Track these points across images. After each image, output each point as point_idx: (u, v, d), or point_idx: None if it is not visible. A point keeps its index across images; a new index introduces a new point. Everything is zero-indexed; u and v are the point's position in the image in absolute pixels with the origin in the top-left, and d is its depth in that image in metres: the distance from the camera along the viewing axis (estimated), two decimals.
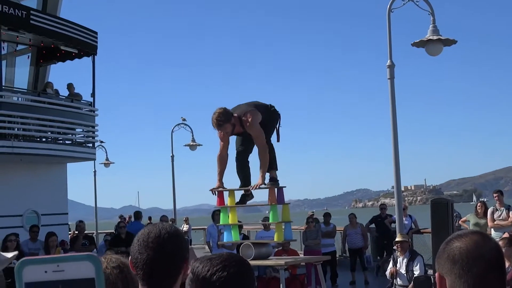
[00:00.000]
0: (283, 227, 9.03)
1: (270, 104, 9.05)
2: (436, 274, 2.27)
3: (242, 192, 9.17)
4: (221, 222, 9.33)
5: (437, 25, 13.52)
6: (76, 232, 19.24)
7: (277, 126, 8.94)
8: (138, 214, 20.75)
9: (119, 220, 26.63)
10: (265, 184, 8.86)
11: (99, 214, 34.51)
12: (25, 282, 1.49)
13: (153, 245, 2.66)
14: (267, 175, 8.93)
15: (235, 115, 8.58)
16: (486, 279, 2.20)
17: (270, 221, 9.14)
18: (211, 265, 2.25)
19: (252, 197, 9.21)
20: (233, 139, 9.12)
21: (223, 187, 9.02)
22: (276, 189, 8.84)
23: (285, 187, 8.96)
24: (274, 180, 8.84)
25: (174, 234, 2.72)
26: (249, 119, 8.54)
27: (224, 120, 8.49)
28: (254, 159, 9.05)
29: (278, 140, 8.99)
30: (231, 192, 9.05)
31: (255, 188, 8.82)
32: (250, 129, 8.56)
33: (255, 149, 8.94)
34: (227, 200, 9.08)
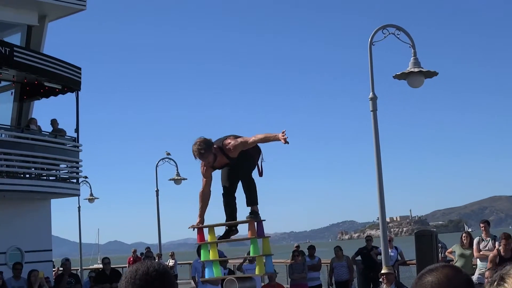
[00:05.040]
0: (264, 260, 9.00)
1: None
2: None
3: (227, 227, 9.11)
4: (202, 259, 9.26)
5: (420, 55, 13.70)
6: (61, 269, 19.06)
7: (260, 162, 8.89)
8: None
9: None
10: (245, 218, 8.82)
11: (83, 250, 34.21)
12: None
13: (140, 282, 2.66)
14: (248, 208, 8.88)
15: (215, 146, 8.55)
16: None
17: (251, 254, 9.06)
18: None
19: (237, 231, 9.16)
20: (217, 177, 9.03)
21: (203, 224, 8.94)
22: (256, 223, 8.79)
23: (264, 220, 8.92)
24: (254, 214, 8.77)
25: (162, 271, 2.71)
26: (231, 143, 8.50)
27: (206, 149, 8.38)
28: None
29: (260, 175, 8.93)
30: (211, 228, 9.00)
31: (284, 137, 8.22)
32: (235, 148, 8.47)
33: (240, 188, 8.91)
34: (207, 236, 9.03)
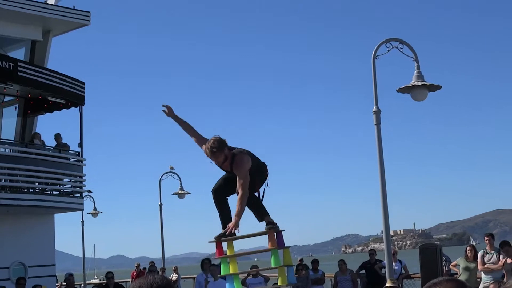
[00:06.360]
0: (286, 270, 8.88)
1: (263, 162, 8.94)
2: None
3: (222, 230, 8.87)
4: (222, 273, 9.09)
5: (423, 68, 13.70)
6: (64, 284, 19.03)
7: (263, 187, 8.81)
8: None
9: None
10: (264, 229, 8.71)
11: (87, 265, 34.18)
12: None
13: None
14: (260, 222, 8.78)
15: (231, 150, 8.50)
16: None
17: (272, 265, 8.88)
18: None
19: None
20: (215, 177, 8.93)
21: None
22: (275, 233, 8.70)
23: (284, 230, 8.81)
24: (272, 224, 8.68)
25: (165, 286, 2.73)
26: (239, 160, 8.45)
27: (218, 148, 8.32)
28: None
29: (261, 200, 8.85)
30: (229, 242, 8.84)
31: (232, 230, 8.46)
32: (237, 169, 8.41)
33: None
34: (226, 250, 8.89)
